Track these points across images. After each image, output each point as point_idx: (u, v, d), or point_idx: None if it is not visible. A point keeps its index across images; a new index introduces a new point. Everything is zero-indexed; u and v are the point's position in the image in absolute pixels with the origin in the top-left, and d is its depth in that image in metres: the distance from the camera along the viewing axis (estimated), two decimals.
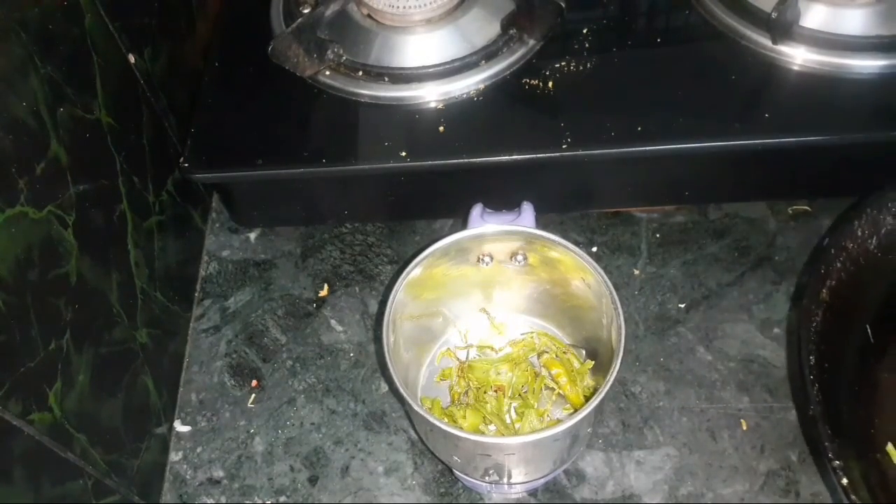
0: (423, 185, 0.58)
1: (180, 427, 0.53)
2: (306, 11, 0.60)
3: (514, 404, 0.49)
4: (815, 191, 0.59)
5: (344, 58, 0.58)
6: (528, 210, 0.48)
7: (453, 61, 0.57)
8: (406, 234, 0.61)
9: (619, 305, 0.42)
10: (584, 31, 0.59)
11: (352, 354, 0.56)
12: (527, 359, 0.50)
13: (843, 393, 0.46)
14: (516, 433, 0.47)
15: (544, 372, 0.50)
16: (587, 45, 0.59)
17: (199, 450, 0.52)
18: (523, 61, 0.58)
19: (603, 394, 0.39)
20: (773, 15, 0.54)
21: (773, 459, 0.49)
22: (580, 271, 0.45)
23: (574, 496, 0.49)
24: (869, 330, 0.48)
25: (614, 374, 0.40)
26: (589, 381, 0.49)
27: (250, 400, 0.54)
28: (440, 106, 0.56)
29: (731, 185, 0.59)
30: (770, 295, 0.56)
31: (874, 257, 0.49)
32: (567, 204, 0.61)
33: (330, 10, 0.59)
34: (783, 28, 0.55)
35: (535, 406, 0.48)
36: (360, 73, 0.57)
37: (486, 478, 0.44)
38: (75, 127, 0.43)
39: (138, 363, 0.49)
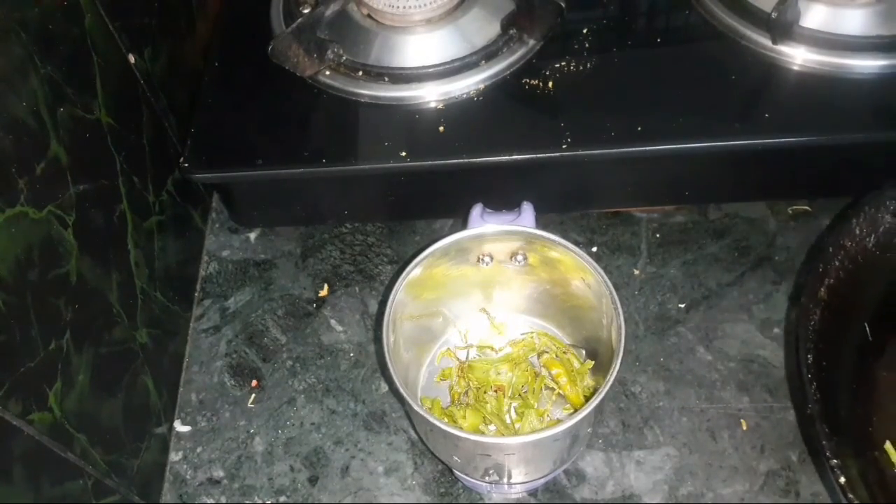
0: (423, 185, 0.58)
1: (180, 427, 0.53)
2: (306, 11, 0.60)
3: (514, 404, 0.49)
4: (815, 191, 0.59)
5: (344, 58, 0.58)
6: (528, 210, 0.48)
7: (453, 61, 0.57)
8: (406, 234, 0.61)
9: (619, 305, 0.42)
10: (584, 31, 0.59)
11: (352, 354, 0.56)
12: (527, 359, 0.50)
13: (842, 391, 0.46)
14: (516, 433, 0.47)
15: (544, 372, 0.50)
16: (587, 45, 0.59)
17: (199, 450, 0.52)
18: (523, 61, 0.58)
19: (603, 394, 0.39)
20: (773, 15, 0.54)
21: (773, 459, 0.49)
22: (580, 271, 0.45)
23: (574, 496, 0.49)
24: (867, 328, 0.48)
25: (614, 374, 0.40)
26: (589, 381, 0.49)
27: (250, 400, 0.54)
28: (440, 106, 0.56)
29: (731, 185, 0.59)
30: (770, 295, 0.56)
31: (872, 256, 0.49)
32: (567, 204, 0.61)
33: (330, 10, 0.59)
34: (783, 28, 0.55)
35: (535, 406, 0.48)
36: (360, 73, 0.57)
37: (486, 478, 0.44)
38: (75, 127, 0.43)
39: (138, 363, 0.49)
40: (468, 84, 0.56)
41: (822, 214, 0.59)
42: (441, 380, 0.51)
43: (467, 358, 0.51)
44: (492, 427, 0.48)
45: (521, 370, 0.50)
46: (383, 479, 0.51)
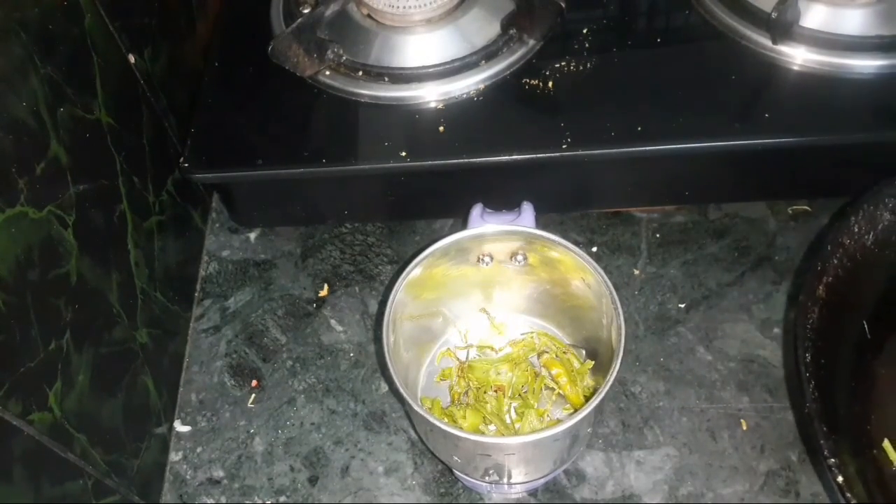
0: (423, 185, 0.58)
1: (180, 427, 0.53)
2: (306, 11, 0.60)
3: (514, 404, 0.49)
4: (815, 191, 0.59)
5: (344, 58, 0.58)
6: (528, 210, 0.48)
7: (453, 61, 0.57)
8: (406, 234, 0.61)
9: (619, 305, 0.42)
10: (584, 31, 0.59)
11: (352, 354, 0.56)
12: (527, 359, 0.50)
13: (840, 389, 0.46)
14: (516, 433, 0.47)
15: (544, 372, 0.50)
16: (587, 45, 0.59)
17: (199, 450, 0.52)
18: (523, 61, 0.58)
19: (603, 394, 0.39)
20: (773, 15, 0.54)
21: (773, 459, 0.49)
22: (580, 271, 0.45)
23: (574, 496, 0.49)
24: (866, 326, 0.48)
25: (614, 374, 0.40)
26: (589, 381, 0.49)
27: (250, 400, 0.54)
28: (440, 106, 0.56)
29: (731, 185, 0.59)
30: (770, 295, 0.56)
31: (871, 253, 0.49)
32: (567, 204, 0.61)
33: (330, 10, 0.59)
34: (783, 28, 0.55)
35: (535, 406, 0.48)
36: (360, 73, 0.57)
37: (486, 478, 0.44)
38: (75, 127, 0.43)
39: (138, 363, 0.49)
40: (468, 84, 0.56)
41: (821, 214, 0.59)
42: (441, 380, 0.51)
43: (467, 358, 0.51)
44: (492, 427, 0.48)
45: (521, 370, 0.50)
46: (383, 479, 0.51)
